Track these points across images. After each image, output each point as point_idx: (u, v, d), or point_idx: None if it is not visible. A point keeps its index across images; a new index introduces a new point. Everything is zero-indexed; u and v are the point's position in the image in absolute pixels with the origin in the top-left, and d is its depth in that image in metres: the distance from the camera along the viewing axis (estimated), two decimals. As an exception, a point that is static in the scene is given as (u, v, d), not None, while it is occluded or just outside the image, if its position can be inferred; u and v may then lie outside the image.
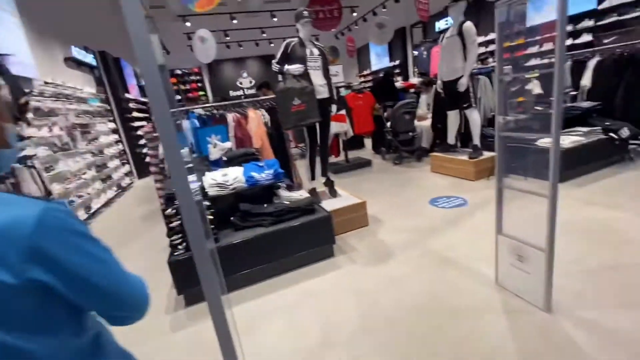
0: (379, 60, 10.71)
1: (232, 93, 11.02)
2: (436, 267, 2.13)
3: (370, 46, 10.76)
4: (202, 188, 2.25)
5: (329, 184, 3.22)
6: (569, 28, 5.23)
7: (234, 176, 2.35)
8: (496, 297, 1.75)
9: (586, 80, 3.96)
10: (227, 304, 1.35)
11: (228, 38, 9.19)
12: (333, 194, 3.15)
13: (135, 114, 7.42)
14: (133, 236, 3.56)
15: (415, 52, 8.97)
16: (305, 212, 2.38)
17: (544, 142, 2.33)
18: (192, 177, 0.83)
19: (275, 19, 7.73)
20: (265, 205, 2.39)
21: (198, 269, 0.86)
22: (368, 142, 6.54)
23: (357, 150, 6.48)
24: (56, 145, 4.06)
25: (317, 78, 2.87)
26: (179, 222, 2.07)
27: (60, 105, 4.46)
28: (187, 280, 2.07)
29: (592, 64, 3.93)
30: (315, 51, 2.87)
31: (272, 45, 10.57)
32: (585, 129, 3.49)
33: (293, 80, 2.72)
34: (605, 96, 3.74)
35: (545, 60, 4.93)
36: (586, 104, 3.73)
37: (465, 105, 3.70)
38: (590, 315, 1.53)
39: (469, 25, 3.40)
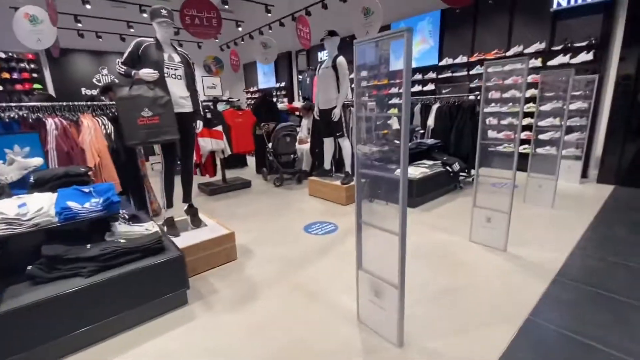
0: (266, 79, 10.71)
1: (85, 91, 9.01)
2: (302, 304, 1.98)
3: (258, 64, 10.68)
4: (-29, 227, 1.51)
5: (192, 211, 2.77)
6: (419, 77, 6.32)
7: (38, 207, 1.68)
8: (357, 336, 1.69)
9: (430, 121, 4.76)
10: None
11: (80, 25, 7.52)
12: (196, 223, 2.71)
13: None
14: None
15: (300, 77, 9.33)
16: (148, 252, 1.89)
17: (399, 172, 2.60)
18: None
19: (145, 15, 6.73)
20: (88, 246, 1.79)
21: None
22: (253, 160, 6.28)
23: (238, 170, 6.11)
24: None
25: (178, 88, 2.45)
26: None
27: None
28: None
29: (434, 108, 4.77)
30: (176, 57, 2.46)
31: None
32: (430, 162, 4.13)
33: (143, 87, 2.23)
34: (444, 135, 4.57)
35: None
36: (430, 141, 4.46)
37: (338, 134, 3.87)
38: (435, 344, 1.61)
39: (341, 59, 3.61)
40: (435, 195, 3.92)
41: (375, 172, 1.73)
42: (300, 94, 8.99)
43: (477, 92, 4.61)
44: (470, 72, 5.58)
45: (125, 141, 2.27)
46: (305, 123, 5.51)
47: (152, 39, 2.40)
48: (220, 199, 4.40)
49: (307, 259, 2.56)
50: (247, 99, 11.79)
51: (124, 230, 1.97)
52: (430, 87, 6.18)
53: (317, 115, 4.03)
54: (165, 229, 2.52)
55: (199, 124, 2.66)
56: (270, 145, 4.96)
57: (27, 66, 8.53)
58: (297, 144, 5.15)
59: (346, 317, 1.84)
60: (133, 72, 2.25)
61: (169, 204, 2.63)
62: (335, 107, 3.68)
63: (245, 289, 2.17)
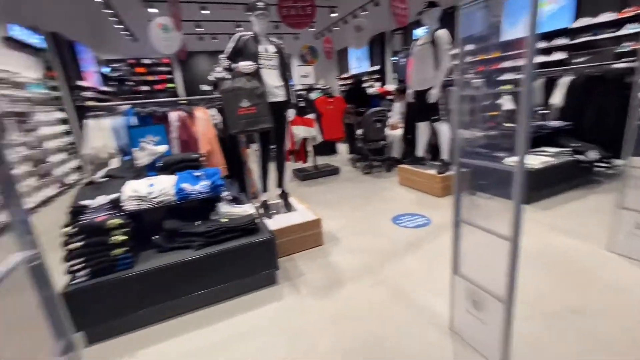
0: (359, 63, 10.53)
1: (203, 87, 10.48)
2: (387, 300, 1.87)
3: (350, 49, 10.57)
4: (117, 201, 1.88)
5: (284, 196, 2.91)
6: (543, 45, 5.21)
7: (162, 187, 1.99)
8: (448, 347, 1.51)
9: (557, 99, 3.88)
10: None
11: (201, 29, 8.69)
12: (287, 207, 2.85)
13: (89, 103, 6.78)
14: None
15: (395, 59, 8.84)
16: (245, 232, 2.06)
17: (510, 161, 2.15)
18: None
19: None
20: (196, 223, 2.05)
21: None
22: (344, 148, 6.32)
23: (328, 157, 6.23)
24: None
25: (272, 78, 2.56)
26: (82, 242, 1.70)
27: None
28: (90, 314, 1.70)
29: (563, 82, 3.86)
30: (271, 48, 2.56)
31: (249, 40, 10.15)
32: (554, 150, 3.39)
33: (242, 80, 2.40)
34: (575, 115, 3.67)
35: (519, 76, 4.87)
36: (556, 123, 3.64)
37: (435, 118, 3.51)
38: (551, 375, 1.31)
39: (442, 32, 3.21)
40: (558, 190, 3.21)
41: (479, 161, 1.47)
42: (396, 76, 8.53)
43: (632, 58, 3.53)
44: (619, 33, 4.31)
45: (228, 130, 2.50)
46: (398, 107, 5.20)
47: (250, 33, 2.54)
48: (311, 185, 4.55)
49: (395, 253, 2.42)
50: (340, 85, 11.87)
51: (226, 210, 2.19)
52: (558, 56, 5.04)
53: (411, 98, 3.73)
54: (261, 211, 2.72)
55: (291, 113, 2.74)
56: (359, 131, 4.86)
57: (163, 69, 10.37)
58: (387, 129, 4.92)
59: (436, 323, 1.66)
60: (234, 65, 2.44)
61: (265, 188, 2.82)
62: (432, 87, 3.32)
63: (330, 276, 2.18)
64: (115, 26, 8.11)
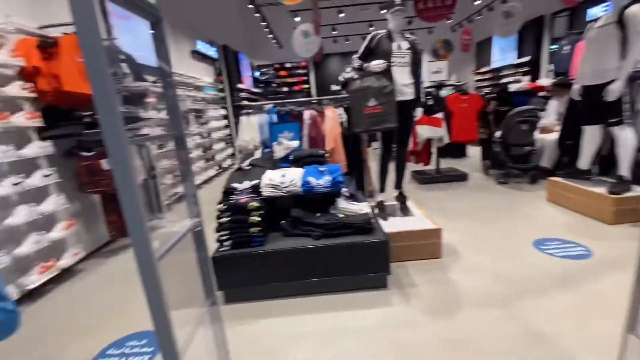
0: (502, 55, 9.13)
1: (333, 87, 11.12)
2: (521, 341, 1.56)
3: (494, 40, 9.25)
4: (256, 186, 2.18)
5: (401, 199, 2.80)
6: None
7: (291, 178, 2.21)
8: None
9: None
10: (216, 316, 1.21)
11: (335, 32, 9.22)
12: (404, 211, 2.73)
13: (245, 102, 8.19)
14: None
15: (554, 47, 7.25)
16: (360, 230, 2.08)
17: None
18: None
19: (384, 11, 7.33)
20: (318, 214, 2.19)
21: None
22: (474, 151, 5.65)
23: (455, 160, 5.67)
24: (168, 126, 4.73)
25: (402, 76, 2.47)
26: (229, 218, 2.06)
27: (180, 92, 5.17)
28: (228, 278, 2.05)
29: None
30: (404, 45, 2.47)
31: (379, 39, 10.18)
32: None
33: (371, 79, 2.40)
34: None
35: None
36: None
37: (613, 121, 2.69)
38: None
39: (635, 9, 2.41)
40: None
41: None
42: (553, 69, 7.00)
43: None
44: None
45: (352, 129, 2.56)
46: (555, 105, 4.24)
47: (384, 31, 2.52)
48: (432, 190, 4.24)
49: (535, 284, 1.99)
50: (476, 80, 10.58)
51: (344, 206, 2.26)
52: None
53: (577, 95, 2.98)
54: (376, 211, 2.70)
55: (419, 111, 2.60)
56: (497, 133, 4.21)
57: (300, 71, 11.54)
58: (537, 133, 4.08)
59: (591, 387, 1.28)
60: (365, 64, 2.47)
61: (382, 189, 2.78)
62: (613, 81, 2.55)
63: (447, 295, 1.98)
64: (268, 36, 9.46)
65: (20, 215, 2.16)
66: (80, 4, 0.58)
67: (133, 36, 4.10)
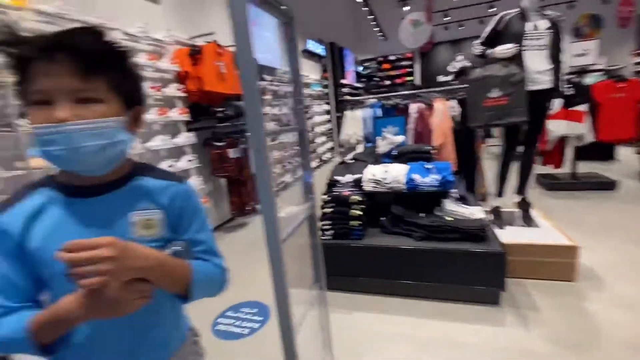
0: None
1: (440, 78, 10.30)
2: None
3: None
4: (359, 181, 2.20)
5: (524, 206, 2.41)
6: None
7: (395, 175, 2.15)
8: None
9: None
10: (320, 301, 1.26)
11: (447, 18, 8.47)
12: (527, 220, 2.34)
13: (347, 97, 8.35)
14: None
15: None
16: (470, 237, 1.88)
17: None
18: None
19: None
20: (421, 214, 2.07)
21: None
22: (627, 153, 4.48)
23: (599, 163, 4.57)
24: (281, 121, 5.18)
25: (538, 62, 2.10)
26: (331, 209, 2.14)
27: (291, 89, 5.59)
28: (329, 266, 2.14)
29: None
30: (542, 24, 2.08)
31: (501, 21, 8.89)
32: None
33: (495, 66, 2.11)
34: None
35: None
36: None
37: None
38: None
39: None
40: None
41: None
42: None
43: None
44: None
45: (467, 122, 2.32)
46: None
47: (516, 10, 2.17)
48: (562, 198, 3.52)
49: None
50: (637, 64, 8.23)
51: (452, 208, 2.08)
52: None
53: None
54: (490, 217, 2.40)
55: (556, 103, 2.17)
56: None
57: (404, 63, 11.06)
58: None
59: None
60: (488, 50, 2.19)
61: (500, 192, 2.45)
62: None
63: (580, 327, 1.62)
64: (374, 29, 9.36)
65: (171, 191, 2.71)
66: (240, 29, 0.69)
67: (258, 40, 4.61)
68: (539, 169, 4.02)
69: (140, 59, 2.48)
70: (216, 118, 3.21)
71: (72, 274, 0.44)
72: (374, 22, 8.74)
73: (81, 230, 0.55)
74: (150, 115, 2.55)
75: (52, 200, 0.56)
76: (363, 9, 7.46)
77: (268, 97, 4.75)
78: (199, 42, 3.06)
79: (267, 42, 4.93)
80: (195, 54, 2.90)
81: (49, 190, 0.57)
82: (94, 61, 0.50)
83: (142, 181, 0.62)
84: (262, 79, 3.75)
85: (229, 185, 3.45)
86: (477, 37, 2.33)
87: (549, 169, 3.96)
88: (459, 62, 10.44)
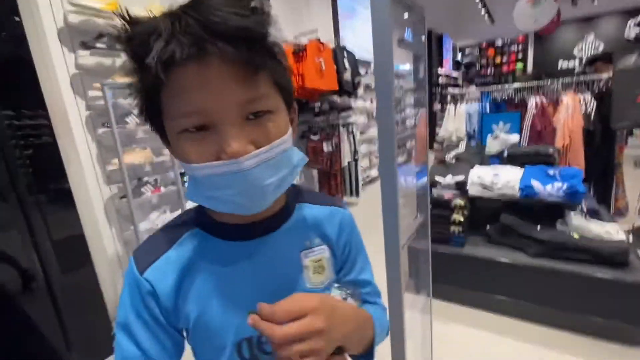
0: None
1: (561, 64, 8.71)
2: None
3: None
4: (462, 183, 2.03)
5: (686, 229, 1.89)
6: None
7: (507, 179, 1.92)
8: None
9: None
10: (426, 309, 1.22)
11: (579, -9, 7.03)
12: (688, 247, 1.84)
13: (449, 90, 7.77)
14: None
15: None
16: (604, 260, 1.57)
17: None
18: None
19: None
20: (538, 227, 1.81)
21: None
22: None
23: None
24: (372, 115, 5.13)
25: None
26: (431, 211, 2.04)
27: (413, 91, 5.48)
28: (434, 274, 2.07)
29: None
30: None
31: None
32: None
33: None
34: None
35: None
36: None
37: None
38: None
39: None
40: None
41: None
42: None
43: None
44: None
45: (610, 122, 1.91)
46: None
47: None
48: None
49: None
50: None
51: (579, 223, 1.77)
52: None
53: None
54: (630, 237, 1.96)
55: None
56: None
57: (516, 48, 9.69)
58: None
59: None
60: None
61: (648, 209, 1.98)
62: None
63: None
64: (481, 12, 8.41)
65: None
66: (382, 44, 0.68)
67: (355, 33, 4.63)
68: None
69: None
70: (313, 113, 3.36)
71: (283, 358, 0.34)
72: (481, 3, 7.83)
73: (247, 283, 0.43)
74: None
75: (205, 246, 0.43)
76: (469, -10, 6.75)
77: (360, 90, 4.74)
78: (303, 40, 3.21)
79: (362, 35, 4.90)
80: (299, 51, 3.06)
81: (198, 233, 0.44)
82: (256, 52, 0.33)
83: (305, 210, 0.49)
84: (358, 73, 3.75)
85: (320, 176, 3.60)
86: (615, 12, 1.88)
87: None
88: (589, 43, 8.63)
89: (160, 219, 2.04)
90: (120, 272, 2.01)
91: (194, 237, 0.44)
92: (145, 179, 1.99)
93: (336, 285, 0.47)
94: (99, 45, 1.77)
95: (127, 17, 0.33)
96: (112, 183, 1.97)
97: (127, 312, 0.41)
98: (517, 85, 2.66)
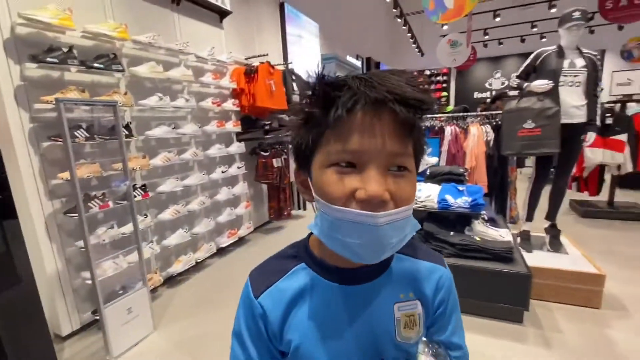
0: None
1: (476, 95, 10.22)
2: None
3: None
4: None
5: (553, 232, 2.50)
6: None
7: (428, 194, 2.33)
8: None
9: None
10: None
11: (487, 37, 8.46)
12: (555, 246, 2.43)
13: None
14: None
15: None
16: (497, 257, 2.02)
17: None
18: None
19: (554, 10, 6.28)
20: (452, 233, 2.24)
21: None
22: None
23: (637, 192, 4.45)
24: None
25: (572, 97, 2.22)
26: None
27: None
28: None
29: None
30: (579, 62, 2.20)
31: (543, 39, 8.72)
32: None
33: (532, 99, 2.26)
34: None
35: None
36: None
37: None
38: None
39: None
40: None
41: None
42: None
43: None
44: None
45: (501, 150, 2.46)
46: None
47: (553, 47, 2.31)
48: (597, 226, 3.50)
49: None
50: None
51: (481, 229, 2.23)
52: None
53: None
54: (518, 240, 2.51)
55: (590, 136, 2.26)
56: None
57: (440, 79, 11.08)
58: None
59: None
60: (525, 84, 2.33)
61: (529, 217, 2.55)
62: None
63: (601, 351, 1.72)
64: (412, 45, 9.52)
65: (223, 193, 3.05)
66: None
67: (301, 57, 4.96)
68: (574, 195, 4.01)
69: (207, 78, 2.85)
70: (263, 130, 3.54)
71: None
72: (412, 39, 8.90)
73: (344, 325, 0.47)
74: (211, 127, 2.91)
75: (313, 283, 0.48)
76: (403, 27, 7.66)
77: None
78: (254, 62, 3.41)
79: (307, 59, 5.28)
80: (250, 72, 3.25)
81: (305, 270, 0.49)
82: (417, 119, 0.39)
83: (405, 262, 0.51)
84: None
85: (270, 191, 3.76)
86: (517, 55, 2.47)
87: (585, 196, 3.93)
88: (496, 79, 10.32)
89: (107, 233, 2.02)
90: (60, 289, 1.93)
91: (301, 272, 0.49)
92: (93, 193, 1.97)
93: (423, 340, 0.48)
94: (49, 59, 1.76)
95: (321, 75, 0.40)
96: (55, 198, 1.91)
97: (240, 325, 0.50)
98: (442, 116, 3.21)
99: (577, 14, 2.16)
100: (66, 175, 1.78)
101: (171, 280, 2.62)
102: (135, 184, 2.21)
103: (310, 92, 0.41)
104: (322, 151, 0.41)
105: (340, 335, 0.46)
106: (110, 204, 2.01)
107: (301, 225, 4.01)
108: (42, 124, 1.83)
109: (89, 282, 1.88)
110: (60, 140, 1.71)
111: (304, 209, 4.28)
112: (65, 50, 1.83)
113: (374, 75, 0.39)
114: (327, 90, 0.39)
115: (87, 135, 1.89)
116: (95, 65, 1.96)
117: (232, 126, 3.17)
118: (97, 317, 1.86)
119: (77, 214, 1.77)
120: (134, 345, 1.91)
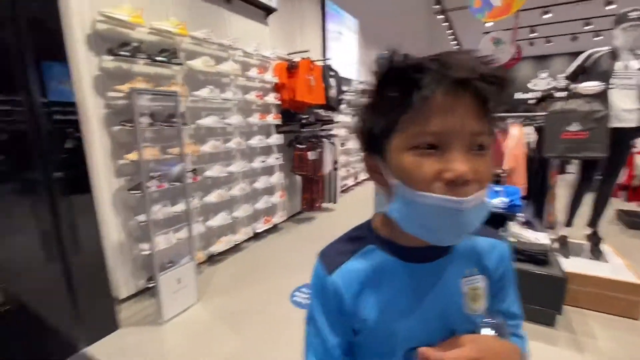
0: None
1: (517, 95, 9.74)
2: None
3: None
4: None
5: (594, 239, 2.42)
6: None
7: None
8: None
9: None
10: None
11: (534, 34, 8.04)
12: (595, 254, 2.36)
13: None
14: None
15: None
16: (532, 259, 2.01)
17: None
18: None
19: (611, 6, 5.86)
20: (485, 232, 2.24)
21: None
22: None
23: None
24: (351, 129, 5.54)
25: (625, 101, 2.13)
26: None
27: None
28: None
29: None
30: (635, 64, 2.11)
31: (598, 38, 8.15)
32: None
33: (578, 101, 2.19)
34: None
35: None
36: None
37: None
38: None
39: None
40: None
41: None
42: None
43: None
44: None
45: (542, 152, 2.41)
46: None
47: (606, 48, 2.22)
48: (645, 238, 3.30)
49: None
50: None
51: (517, 231, 2.22)
52: None
53: None
54: (555, 245, 2.46)
55: (642, 142, 2.17)
56: None
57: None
58: None
59: None
60: (572, 85, 2.27)
61: (569, 223, 2.49)
62: None
63: (640, 362, 1.68)
64: (451, 42, 9.25)
65: (261, 182, 3.23)
66: None
67: (340, 54, 5.04)
68: (622, 205, 3.79)
69: (252, 72, 3.02)
70: (301, 124, 3.68)
71: None
72: (452, 36, 8.65)
73: (416, 301, 0.49)
74: (253, 119, 3.09)
75: (384, 263, 0.49)
76: (444, 23, 7.48)
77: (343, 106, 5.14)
78: (296, 58, 3.54)
79: (345, 55, 5.35)
80: (292, 68, 3.39)
81: (375, 250, 0.50)
82: (495, 96, 0.38)
83: (470, 239, 0.52)
84: (343, 91, 4.14)
85: (304, 182, 3.90)
86: (567, 54, 2.40)
87: (633, 206, 3.71)
88: (542, 79, 9.74)
89: (161, 211, 2.24)
90: (120, 257, 2.18)
91: (371, 252, 0.50)
92: (151, 174, 2.20)
93: (484, 320, 0.49)
94: (122, 52, 1.98)
95: (399, 55, 0.39)
96: (121, 176, 2.16)
97: (313, 307, 0.52)
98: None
99: (634, 14, 2.07)
100: (132, 156, 2.01)
101: (212, 259, 2.84)
102: (190, 169, 2.42)
103: (386, 75, 0.41)
104: (400, 135, 0.40)
105: (412, 311, 0.48)
106: (166, 184, 2.23)
107: (331, 217, 4.12)
108: (114, 110, 2.07)
109: (145, 252, 2.12)
110: (130, 125, 1.93)
111: (335, 201, 4.38)
112: (135, 45, 2.06)
113: (447, 56, 0.38)
114: (408, 73, 0.38)
115: (151, 121, 2.11)
116: (159, 58, 2.18)
117: (273, 119, 3.33)
118: (152, 284, 2.09)
119: (139, 191, 2.00)
120: (181, 312, 2.13)
